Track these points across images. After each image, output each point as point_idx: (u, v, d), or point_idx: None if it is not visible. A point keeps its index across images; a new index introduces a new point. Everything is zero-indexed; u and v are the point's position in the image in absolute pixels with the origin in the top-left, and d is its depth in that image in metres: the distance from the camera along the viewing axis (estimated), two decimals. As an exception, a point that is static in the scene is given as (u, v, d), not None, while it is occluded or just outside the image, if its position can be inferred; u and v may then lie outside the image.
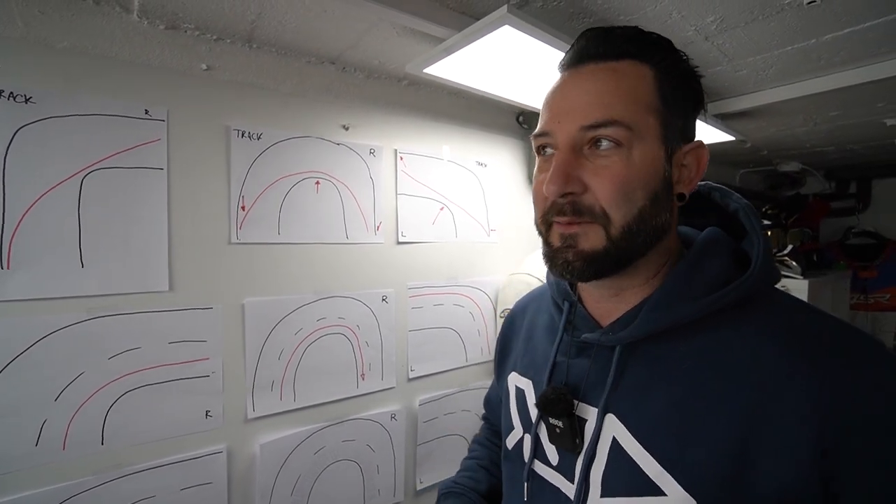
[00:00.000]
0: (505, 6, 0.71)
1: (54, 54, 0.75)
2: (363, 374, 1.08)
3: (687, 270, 0.46)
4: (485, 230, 1.31)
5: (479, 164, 1.30)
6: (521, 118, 1.40)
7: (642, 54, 0.45)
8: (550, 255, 0.47)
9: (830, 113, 1.42)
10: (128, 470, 0.81)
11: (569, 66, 0.47)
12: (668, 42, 0.47)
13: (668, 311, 0.44)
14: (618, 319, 0.48)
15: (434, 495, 1.20)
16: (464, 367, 1.27)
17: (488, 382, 1.29)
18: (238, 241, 0.92)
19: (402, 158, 1.14)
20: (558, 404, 0.49)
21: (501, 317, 1.26)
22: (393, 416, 1.12)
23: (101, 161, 0.79)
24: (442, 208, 1.21)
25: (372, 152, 1.09)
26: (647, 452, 0.43)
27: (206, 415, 0.89)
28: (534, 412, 0.55)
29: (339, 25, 0.87)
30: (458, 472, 0.77)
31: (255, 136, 0.94)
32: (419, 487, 1.18)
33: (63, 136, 0.76)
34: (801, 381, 0.38)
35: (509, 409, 0.61)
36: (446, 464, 1.23)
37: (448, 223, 1.23)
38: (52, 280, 0.75)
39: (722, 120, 1.31)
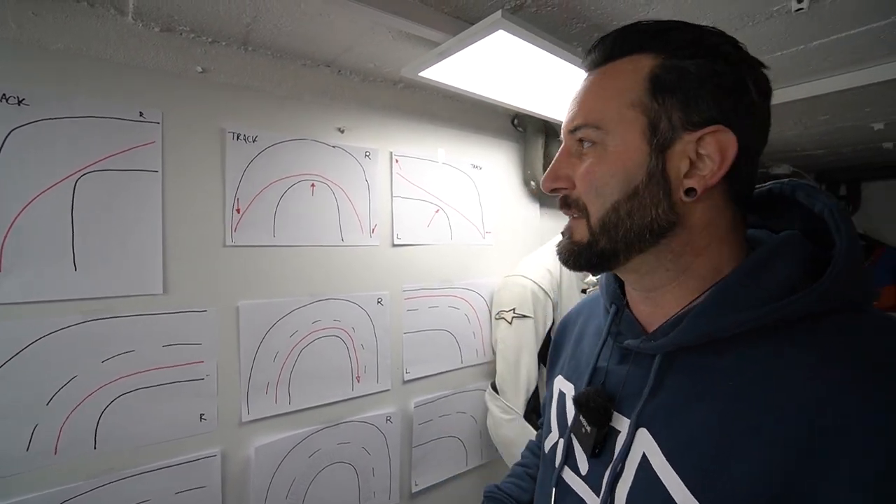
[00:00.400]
0: (499, 11, 0.71)
1: (48, 56, 0.75)
2: (358, 377, 1.08)
3: (744, 276, 0.42)
4: (480, 232, 1.31)
5: (475, 166, 1.30)
6: (515, 121, 1.41)
7: (645, 46, 0.44)
8: (558, 245, 0.51)
9: (820, 117, 1.45)
10: (121, 474, 0.81)
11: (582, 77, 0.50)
12: (684, 25, 0.44)
13: (715, 319, 0.41)
14: (661, 326, 0.46)
15: (429, 498, 1.20)
16: (459, 369, 1.27)
17: (484, 385, 1.30)
18: (233, 243, 0.92)
19: (397, 161, 1.14)
20: (596, 410, 0.48)
21: (497, 318, 1.26)
22: (388, 419, 1.12)
23: (95, 163, 0.79)
24: (437, 211, 1.22)
25: (367, 155, 1.09)
26: (676, 475, 0.40)
27: (201, 418, 0.89)
28: (570, 416, 0.54)
29: (335, 29, 0.87)
30: (506, 476, 0.77)
31: (250, 139, 0.94)
32: (414, 490, 1.18)
33: (57, 139, 0.76)
34: (862, 436, 0.32)
35: (550, 412, 0.61)
36: (441, 466, 1.23)
37: (443, 225, 1.23)
38: (44, 283, 0.75)
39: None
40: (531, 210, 1.48)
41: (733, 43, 0.44)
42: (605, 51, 0.46)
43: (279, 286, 0.98)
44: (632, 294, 0.52)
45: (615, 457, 0.45)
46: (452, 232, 1.25)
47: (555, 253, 1.36)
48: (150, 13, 0.81)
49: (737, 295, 0.41)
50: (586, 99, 0.47)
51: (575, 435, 0.52)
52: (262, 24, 0.85)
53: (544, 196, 1.49)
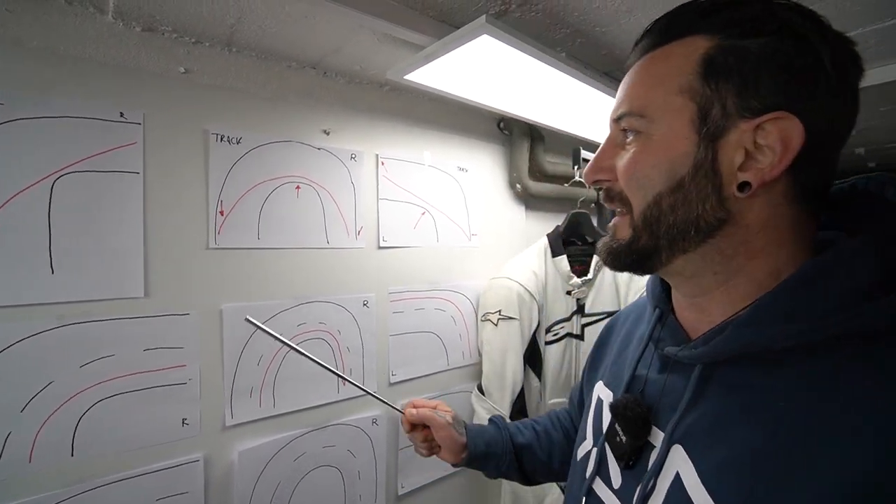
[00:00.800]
0: (483, 16, 0.72)
1: (24, 54, 0.74)
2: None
3: (804, 282, 0.37)
4: (466, 235, 1.32)
5: (461, 169, 1.31)
6: (501, 124, 1.43)
7: (700, 27, 0.40)
8: (601, 243, 0.49)
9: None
10: (100, 481, 0.79)
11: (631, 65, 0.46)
12: (750, 2, 0.39)
13: (764, 328, 0.37)
14: (704, 334, 0.42)
15: (415, 500, 1.21)
16: (445, 370, 1.27)
17: (470, 386, 1.30)
18: (216, 246, 0.91)
19: (383, 163, 1.14)
20: (633, 419, 0.45)
21: (482, 320, 1.27)
22: (374, 421, 1.12)
23: (74, 164, 0.78)
24: (423, 213, 1.22)
25: (353, 157, 1.09)
26: (711, 500, 0.36)
27: (183, 423, 0.87)
28: (606, 424, 0.51)
29: (320, 31, 0.87)
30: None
31: (234, 140, 0.93)
32: (401, 492, 1.18)
33: (33, 139, 0.74)
34: None
35: (587, 418, 0.58)
36: (428, 468, 1.23)
37: (429, 228, 1.24)
38: (19, 286, 0.73)
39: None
40: (517, 213, 1.50)
41: (810, 16, 0.38)
42: (656, 34, 0.43)
43: (263, 289, 0.97)
44: (677, 298, 0.49)
45: (647, 472, 0.42)
46: (438, 234, 1.25)
47: (540, 255, 1.38)
48: (130, 12, 0.80)
49: (793, 303, 0.36)
50: (632, 86, 0.44)
51: (609, 444, 0.49)
52: (247, 26, 0.85)
53: (530, 199, 1.51)
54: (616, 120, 0.45)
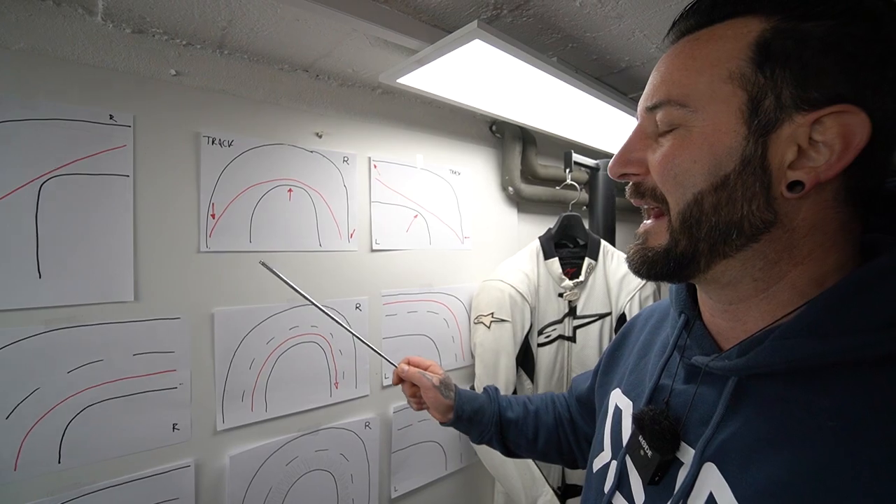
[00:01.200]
0: (475, 21, 0.73)
1: (9, 56, 0.73)
2: (336, 383, 1.07)
3: (853, 291, 0.33)
4: (459, 237, 1.33)
5: (453, 172, 1.32)
6: (493, 127, 1.44)
7: (754, 6, 0.35)
8: (630, 248, 0.44)
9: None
10: (88, 489, 0.78)
11: (670, 45, 0.42)
12: None
13: (810, 341, 0.33)
14: (740, 343, 0.38)
15: (409, 502, 1.20)
16: (438, 373, 1.27)
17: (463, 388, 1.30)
18: (207, 249, 0.90)
19: (375, 166, 1.14)
20: (660, 433, 0.41)
21: (475, 323, 1.27)
22: (367, 425, 1.12)
23: (62, 167, 0.77)
24: (416, 216, 1.22)
25: (346, 160, 1.09)
26: None
27: (174, 428, 0.86)
28: (626, 436, 0.49)
29: (313, 34, 0.87)
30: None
31: (225, 143, 0.93)
32: (394, 495, 1.17)
33: (19, 142, 0.73)
34: None
35: (603, 428, 0.55)
36: (421, 471, 1.23)
37: (422, 231, 1.24)
38: (5, 291, 0.72)
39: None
40: (509, 215, 1.50)
41: None
42: (702, 13, 0.38)
43: (255, 292, 0.96)
44: (706, 304, 0.44)
45: (676, 491, 0.39)
46: (431, 237, 1.26)
47: (532, 257, 1.38)
48: (120, 14, 0.79)
49: (840, 314, 0.33)
50: (671, 70, 0.39)
51: (631, 458, 0.46)
52: (238, 28, 0.85)
53: (522, 201, 1.51)
54: (650, 108, 0.40)
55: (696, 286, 0.45)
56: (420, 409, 0.82)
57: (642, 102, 0.42)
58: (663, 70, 0.40)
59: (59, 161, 0.76)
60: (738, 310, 0.40)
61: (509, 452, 0.80)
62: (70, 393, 0.77)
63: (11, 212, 0.73)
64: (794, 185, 0.35)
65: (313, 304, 0.79)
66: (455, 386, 0.81)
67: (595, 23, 0.84)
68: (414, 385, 0.80)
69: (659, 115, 0.39)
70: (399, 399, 1.18)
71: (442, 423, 0.79)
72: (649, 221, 0.43)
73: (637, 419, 0.45)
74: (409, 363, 0.81)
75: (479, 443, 0.80)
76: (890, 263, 0.33)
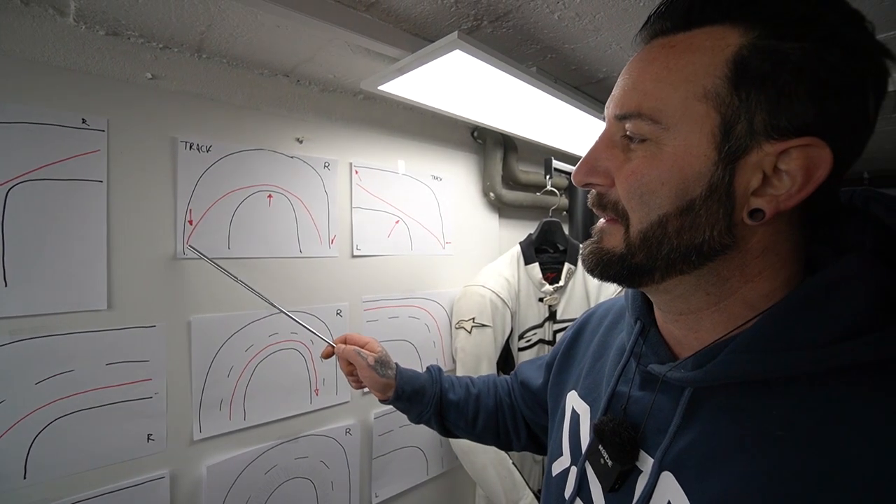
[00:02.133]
0: (456, 32, 0.74)
1: (-23, 58, 0.70)
2: (317, 390, 1.06)
3: (801, 307, 0.34)
4: (440, 243, 1.33)
5: (435, 177, 1.32)
6: (475, 133, 1.45)
7: (734, 14, 0.34)
8: (583, 247, 0.44)
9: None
10: None
11: (642, 43, 0.40)
12: None
13: (763, 356, 0.34)
14: (695, 354, 0.39)
15: (390, 509, 1.20)
16: (420, 378, 1.27)
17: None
18: (184, 256, 0.89)
19: (357, 172, 1.14)
20: (620, 445, 0.42)
21: (457, 328, 1.28)
22: (347, 431, 1.11)
23: (31, 172, 0.74)
24: (397, 221, 1.22)
25: (327, 166, 1.09)
26: None
27: (148, 438, 0.85)
28: (585, 443, 0.49)
29: (293, 40, 0.87)
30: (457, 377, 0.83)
31: (203, 149, 0.91)
32: (375, 501, 1.17)
33: (-14, 146, 0.71)
34: None
35: (561, 432, 0.55)
36: (402, 476, 1.23)
37: (404, 236, 1.24)
38: (-30, 300, 0.70)
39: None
40: (490, 220, 1.52)
41: (859, 23, 0.33)
42: (679, 15, 0.36)
43: (234, 299, 0.95)
44: (659, 312, 0.45)
45: (636, 500, 0.39)
46: (413, 242, 1.26)
47: (513, 262, 1.39)
48: (94, 16, 0.77)
49: (791, 329, 0.34)
50: (644, 79, 0.37)
51: (591, 465, 0.46)
52: (217, 33, 0.84)
53: (503, 207, 1.53)
54: (620, 118, 0.38)
55: (651, 297, 0.46)
56: (359, 387, 0.82)
57: (612, 108, 0.40)
58: (636, 76, 0.38)
59: (28, 166, 0.74)
60: (690, 319, 0.41)
61: (447, 432, 0.81)
62: (38, 405, 0.75)
63: (-24, 218, 0.70)
64: (754, 213, 0.35)
65: (239, 281, 0.83)
66: (396, 364, 0.80)
67: (573, 35, 0.86)
68: (350, 363, 0.80)
69: (629, 126, 0.38)
70: (380, 405, 1.18)
71: (381, 402, 0.80)
72: (603, 222, 0.43)
73: (597, 429, 0.45)
74: (345, 341, 0.81)
75: (418, 422, 0.80)
76: (834, 278, 0.34)
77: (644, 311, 0.47)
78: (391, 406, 0.79)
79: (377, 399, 0.80)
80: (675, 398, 0.40)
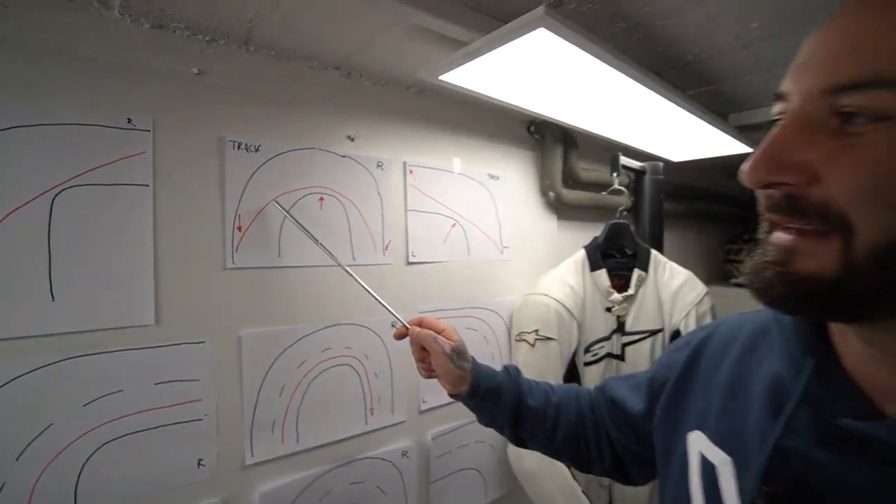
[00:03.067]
0: (542, 7, 0.63)
1: (18, 56, 0.65)
2: (372, 409, 0.98)
3: None
4: (498, 247, 1.23)
5: (492, 176, 1.22)
6: (531, 128, 1.33)
7: None
8: (751, 270, 0.33)
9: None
10: (106, 534, 0.70)
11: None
12: None
13: None
14: None
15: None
16: (476, 393, 1.18)
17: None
18: (234, 265, 0.82)
19: (411, 172, 1.05)
20: None
21: (517, 340, 1.17)
22: (404, 453, 1.03)
23: (77, 177, 0.69)
24: (454, 225, 1.13)
25: (380, 165, 1.00)
26: None
27: (199, 463, 0.78)
28: (729, 502, 0.40)
29: (348, 27, 0.79)
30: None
31: (252, 148, 0.84)
32: (431, 528, 1.08)
33: (29, 150, 0.65)
34: None
35: (687, 483, 0.46)
36: (461, 501, 1.13)
37: (460, 240, 1.14)
38: (15, 317, 0.64)
39: (744, 132, 1.25)
40: (549, 223, 1.40)
41: None
42: None
43: (286, 312, 0.88)
44: (852, 346, 0.35)
45: None
46: (469, 247, 1.16)
47: (577, 268, 1.24)
48: (139, 8, 0.71)
49: None
50: (866, 35, 0.28)
51: None
52: (266, 21, 0.76)
53: (562, 208, 1.41)
54: (835, 91, 0.29)
55: (852, 331, 0.34)
56: (429, 376, 0.75)
57: (814, 78, 0.30)
58: (856, 32, 0.28)
59: (73, 170, 0.69)
60: None
61: (519, 441, 0.73)
62: (87, 428, 0.70)
63: (22, 227, 0.65)
64: None
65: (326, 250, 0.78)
66: (472, 358, 0.73)
67: (670, 8, 0.74)
68: (424, 350, 0.72)
69: (853, 101, 0.28)
70: (438, 424, 1.09)
71: (451, 396, 0.73)
72: (789, 237, 0.32)
73: (772, 499, 0.35)
74: (420, 324, 0.75)
75: (488, 426, 0.73)
76: None
77: (817, 341, 0.37)
78: (462, 403, 0.72)
79: (447, 393, 0.73)
80: (879, 467, 0.30)
